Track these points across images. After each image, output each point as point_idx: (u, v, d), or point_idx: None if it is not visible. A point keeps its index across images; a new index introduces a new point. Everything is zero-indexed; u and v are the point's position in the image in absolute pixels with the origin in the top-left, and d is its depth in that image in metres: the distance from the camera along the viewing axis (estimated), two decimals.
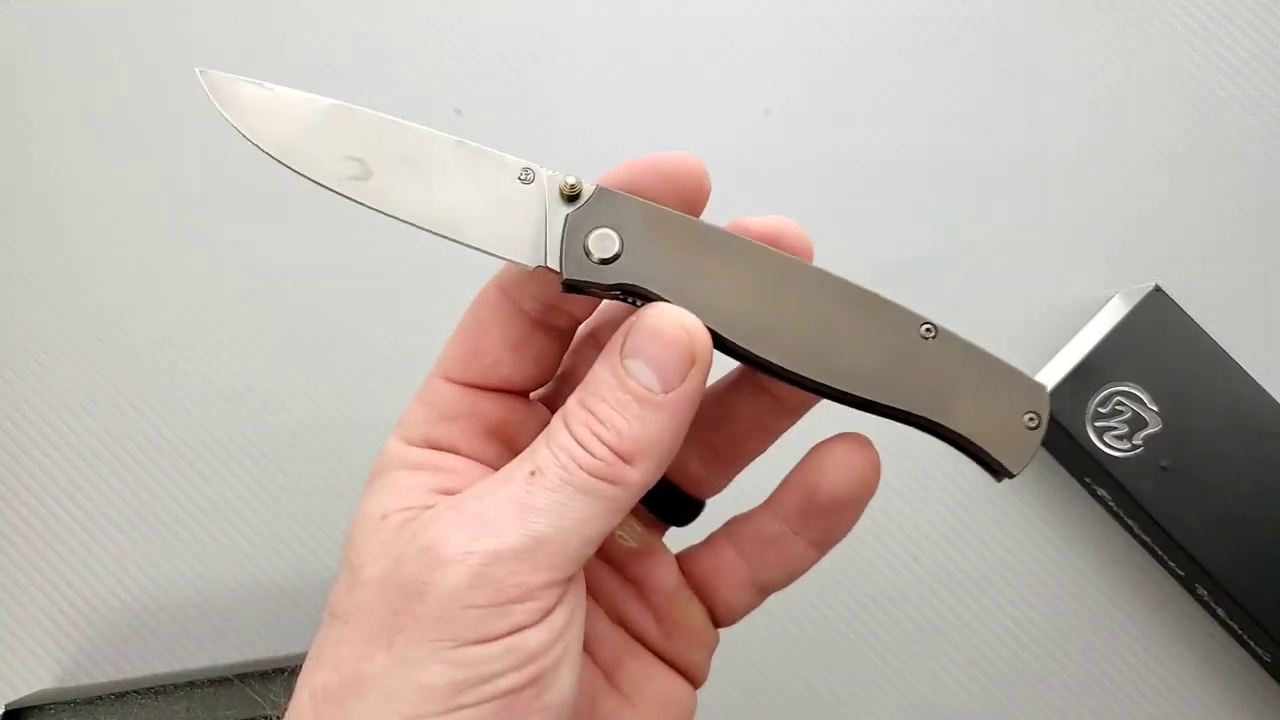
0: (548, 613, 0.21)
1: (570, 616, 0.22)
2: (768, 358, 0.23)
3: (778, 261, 0.24)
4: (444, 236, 0.23)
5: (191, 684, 0.39)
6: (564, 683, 0.22)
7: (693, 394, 0.22)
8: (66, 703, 0.38)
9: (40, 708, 0.38)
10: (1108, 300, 0.48)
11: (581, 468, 0.22)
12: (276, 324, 0.47)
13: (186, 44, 0.48)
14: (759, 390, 0.27)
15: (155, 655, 0.44)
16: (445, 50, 0.49)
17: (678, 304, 0.23)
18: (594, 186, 0.24)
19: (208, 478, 0.45)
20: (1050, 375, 0.46)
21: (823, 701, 0.45)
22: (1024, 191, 0.49)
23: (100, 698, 0.38)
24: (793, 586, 0.45)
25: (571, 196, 0.23)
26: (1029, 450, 0.23)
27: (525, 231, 0.23)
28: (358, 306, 0.47)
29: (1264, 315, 0.48)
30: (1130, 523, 0.45)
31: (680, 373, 0.22)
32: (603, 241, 0.23)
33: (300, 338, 0.46)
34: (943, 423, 0.23)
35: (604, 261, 0.23)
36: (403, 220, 0.23)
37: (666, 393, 0.22)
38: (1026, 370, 0.49)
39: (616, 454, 0.22)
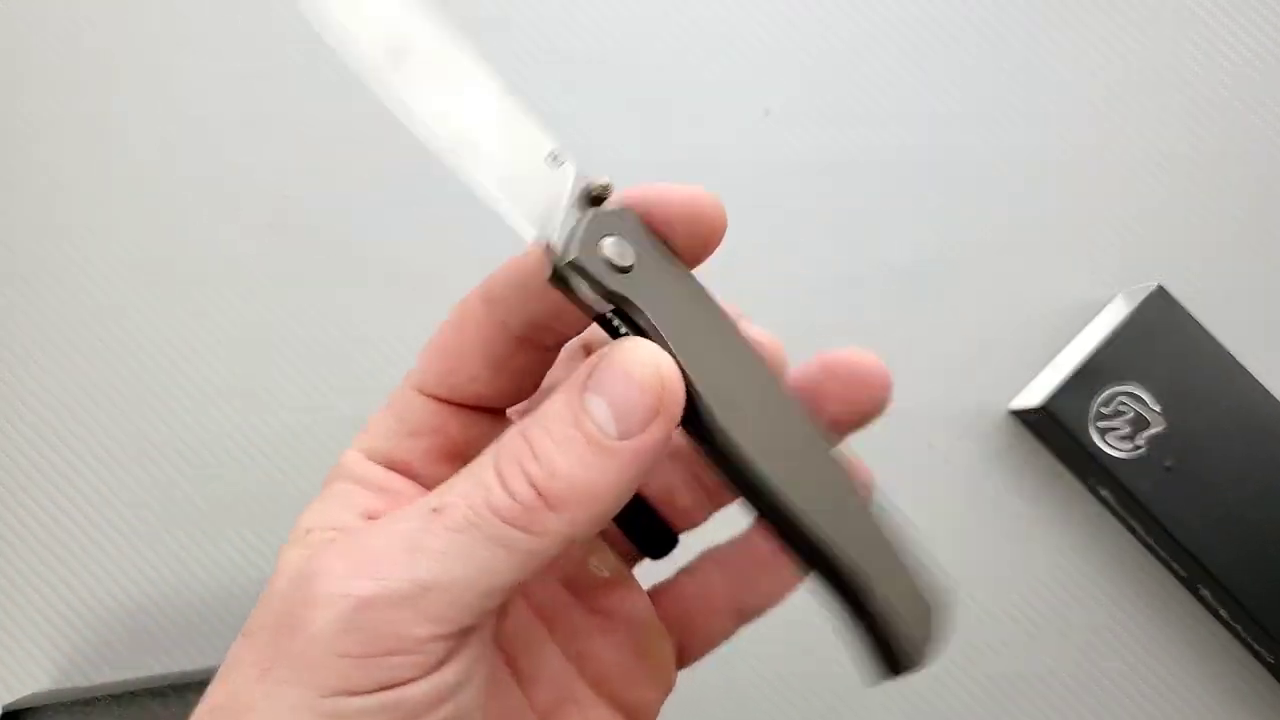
0: (434, 668, 0.19)
1: (466, 674, 0.20)
2: (735, 439, 0.21)
3: (766, 377, 0.22)
4: (452, 164, 0.20)
5: (190, 685, 0.39)
6: None
7: (650, 447, 0.20)
8: (65, 703, 0.38)
9: (38, 708, 0.38)
10: (1110, 300, 0.48)
11: (491, 509, 0.19)
12: (277, 324, 0.46)
13: (187, 44, 0.48)
14: None
15: (154, 656, 0.44)
16: None
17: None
18: (622, 207, 0.22)
19: (207, 478, 0.45)
20: (1053, 376, 0.45)
21: (824, 703, 0.45)
22: (1025, 191, 0.49)
23: (98, 698, 0.38)
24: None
25: (596, 198, 0.21)
26: (927, 655, 0.22)
27: (537, 202, 0.21)
28: (358, 306, 0.47)
29: (1267, 315, 0.48)
30: (1133, 524, 0.45)
31: (642, 421, 0.19)
32: (619, 248, 0.21)
33: (300, 338, 0.46)
34: (863, 599, 0.22)
35: (613, 267, 0.21)
36: (415, 128, 0.20)
37: (622, 440, 0.19)
38: (1028, 370, 0.49)
39: (541, 495, 0.19)
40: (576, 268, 0.20)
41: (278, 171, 0.48)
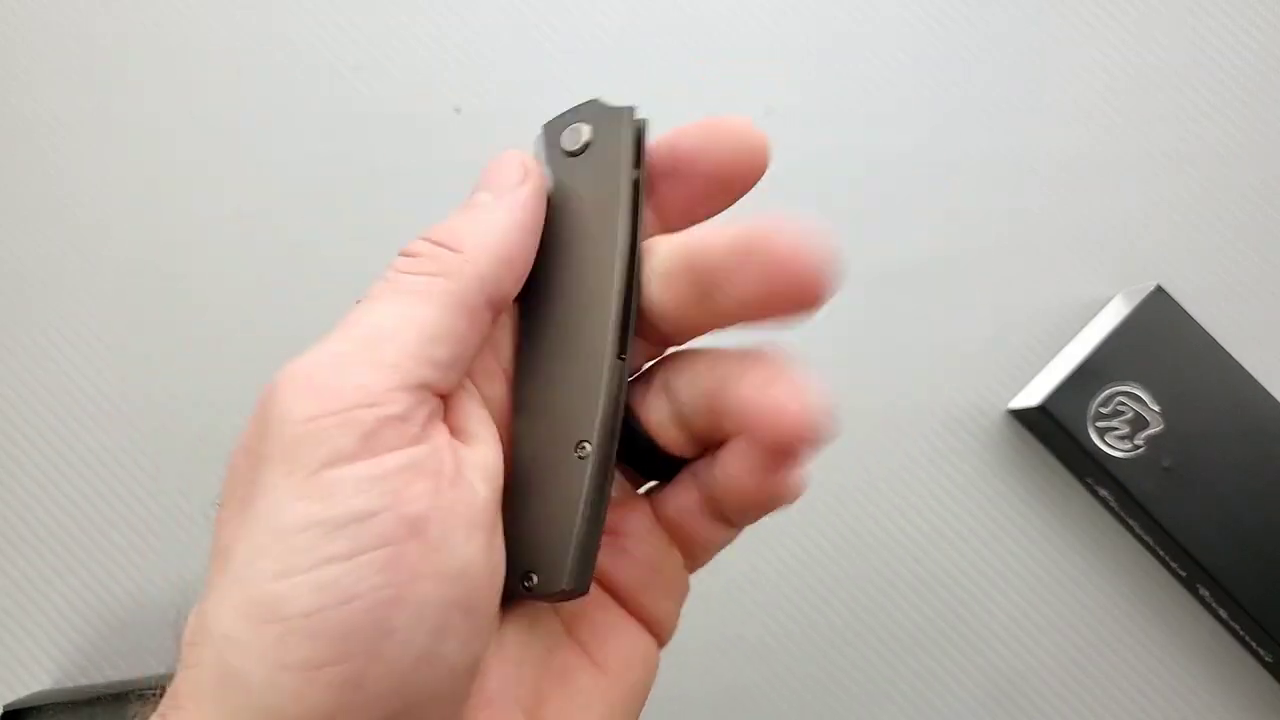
0: (411, 438, 0.19)
1: (443, 455, 0.20)
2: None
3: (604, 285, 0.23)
4: None
5: None
6: (461, 547, 0.19)
7: (528, 197, 0.22)
8: (65, 703, 0.38)
9: (40, 708, 0.38)
10: (1109, 300, 0.48)
11: (399, 271, 0.21)
12: (280, 324, 0.46)
13: (188, 43, 0.48)
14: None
15: (154, 655, 0.44)
16: (445, 50, 0.49)
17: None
18: (627, 107, 0.24)
19: (208, 476, 0.45)
20: (1052, 375, 0.45)
21: (821, 702, 0.45)
22: (1025, 191, 0.49)
23: (99, 698, 0.38)
24: (793, 587, 0.45)
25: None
26: (516, 594, 0.22)
27: None
28: None
29: (1266, 315, 0.48)
30: (1132, 523, 0.45)
31: (511, 181, 0.22)
32: (575, 134, 0.24)
33: (303, 338, 0.46)
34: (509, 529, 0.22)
35: (564, 152, 0.24)
36: None
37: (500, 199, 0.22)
38: (1027, 370, 0.49)
39: (436, 243, 0.21)
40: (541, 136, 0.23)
41: (288, 176, 0.48)
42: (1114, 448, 0.43)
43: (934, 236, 0.48)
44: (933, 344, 0.47)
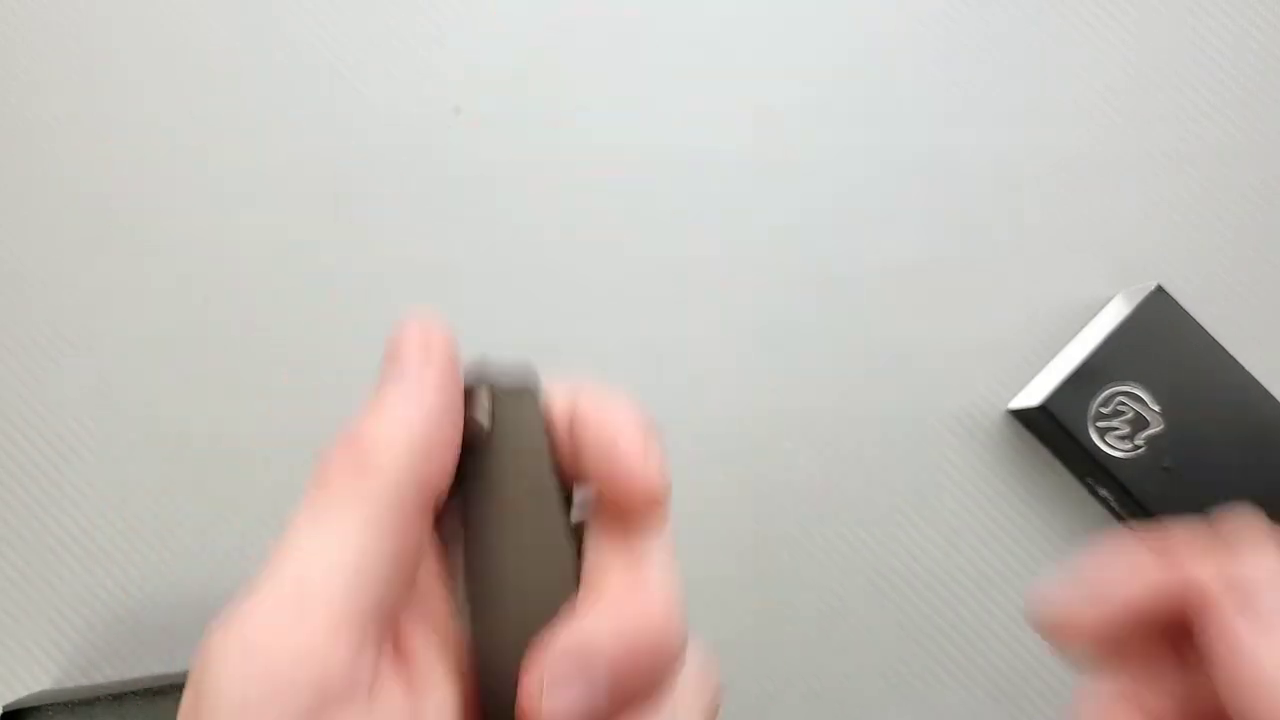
0: (361, 712, 0.17)
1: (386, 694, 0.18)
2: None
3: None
4: None
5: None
6: None
7: (434, 379, 0.20)
8: (65, 703, 0.38)
9: (39, 708, 0.38)
10: (1109, 300, 0.48)
11: (316, 488, 0.19)
12: (279, 323, 0.46)
13: (188, 44, 0.48)
14: None
15: (154, 655, 0.44)
16: (445, 50, 0.49)
17: None
18: (525, 387, 0.22)
19: (208, 476, 0.45)
20: (1052, 375, 0.45)
21: (820, 701, 0.45)
22: (1024, 191, 0.49)
23: (99, 698, 0.38)
24: (793, 588, 0.45)
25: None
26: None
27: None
28: (370, 307, 0.47)
29: (1266, 315, 0.48)
30: (1132, 523, 0.45)
31: (413, 365, 0.20)
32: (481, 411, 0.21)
33: (302, 338, 0.46)
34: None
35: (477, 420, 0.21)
36: None
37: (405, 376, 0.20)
38: (1027, 370, 0.49)
39: (349, 450, 0.19)
40: (470, 390, 0.21)
41: (297, 178, 0.48)
42: (1114, 448, 0.43)
43: (933, 237, 0.48)
44: (933, 344, 0.47)
